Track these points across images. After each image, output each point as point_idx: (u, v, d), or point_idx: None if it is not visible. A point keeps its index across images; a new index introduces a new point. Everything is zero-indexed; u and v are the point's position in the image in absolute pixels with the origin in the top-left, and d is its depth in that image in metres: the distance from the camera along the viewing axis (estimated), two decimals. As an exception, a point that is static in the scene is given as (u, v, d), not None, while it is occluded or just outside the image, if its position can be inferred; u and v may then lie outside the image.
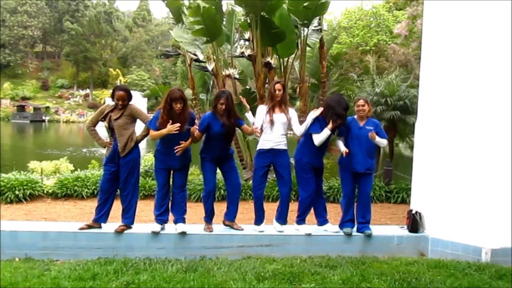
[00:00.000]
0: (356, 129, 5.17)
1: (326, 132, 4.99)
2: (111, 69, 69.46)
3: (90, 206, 7.16)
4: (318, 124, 5.06)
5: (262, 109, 5.18)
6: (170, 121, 4.69)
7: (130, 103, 4.97)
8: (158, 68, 74.34)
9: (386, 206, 7.91)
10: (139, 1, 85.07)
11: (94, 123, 5.02)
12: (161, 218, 5.01)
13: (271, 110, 5.10)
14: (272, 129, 5.06)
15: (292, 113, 5.19)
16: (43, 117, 59.75)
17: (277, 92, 5.10)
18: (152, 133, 4.85)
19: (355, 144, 5.11)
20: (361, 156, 5.09)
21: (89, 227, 4.95)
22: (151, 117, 4.95)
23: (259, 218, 5.22)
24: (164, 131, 4.71)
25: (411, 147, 8.43)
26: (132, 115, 4.93)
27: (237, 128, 5.20)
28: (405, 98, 9.09)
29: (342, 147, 5.13)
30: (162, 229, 5.00)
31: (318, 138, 5.03)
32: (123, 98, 4.86)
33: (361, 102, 5.16)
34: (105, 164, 5.06)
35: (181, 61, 45.74)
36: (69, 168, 9.77)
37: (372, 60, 13.70)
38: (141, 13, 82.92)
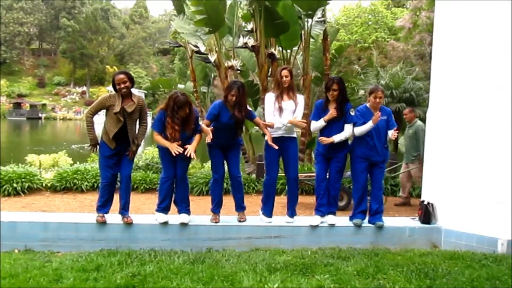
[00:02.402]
0: None
1: (320, 122, 4.94)
2: (108, 66, 69.02)
3: (90, 199, 7.00)
4: (316, 111, 5.02)
5: (270, 97, 5.00)
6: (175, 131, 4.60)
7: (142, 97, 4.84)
8: (155, 66, 74.04)
9: (392, 200, 7.76)
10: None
11: (94, 113, 4.74)
12: (161, 206, 4.83)
13: (279, 97, 4.92)
14: (281, 116, 4.88)
15: (300, 99, 5.01)
16: (40, 115, 59.37)
17: (284, 78, 4.91)
18: (157, 137, 4.70)
19: (373, 134, 4.95)
20: (379, 146, 4.96)
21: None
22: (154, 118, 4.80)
23: (268, 209, 5.05)
24: (167, 144, 4.59)
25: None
26: (142, 109, 4.77)
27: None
28: (411, 90, 8.93)
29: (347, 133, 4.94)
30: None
31: (313, 125, 5.05)
32: (124, 80, 4.58)
33: (379, 94, 4.97)
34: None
35: (178, 58, 45.47)
36: (67, 161, 9.58)
37: (375, 53, 13.52)
38: (138, 10, 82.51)
